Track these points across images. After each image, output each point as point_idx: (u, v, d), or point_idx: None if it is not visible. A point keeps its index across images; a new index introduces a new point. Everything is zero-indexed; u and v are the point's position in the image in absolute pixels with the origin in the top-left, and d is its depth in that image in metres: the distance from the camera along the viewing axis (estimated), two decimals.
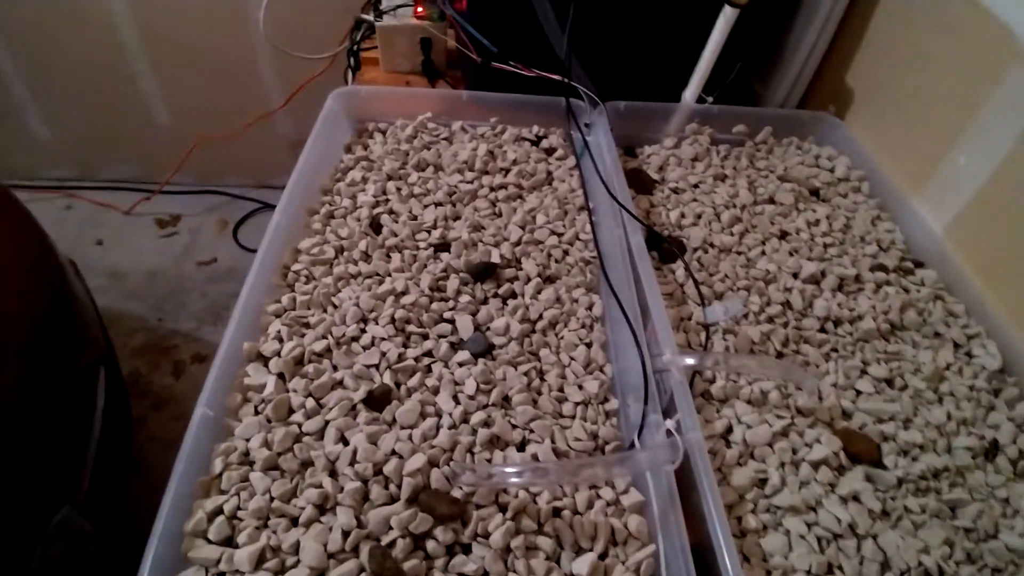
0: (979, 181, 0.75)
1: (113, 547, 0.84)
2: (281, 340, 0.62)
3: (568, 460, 0.57)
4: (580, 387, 0.63)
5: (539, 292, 0.71)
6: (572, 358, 0.66)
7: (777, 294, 0.73)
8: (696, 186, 0.88)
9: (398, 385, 0.60)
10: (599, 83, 0.90)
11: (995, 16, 0.73)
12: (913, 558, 0.53)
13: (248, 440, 0.55)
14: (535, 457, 0.56)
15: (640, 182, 0.87)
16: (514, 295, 0.71)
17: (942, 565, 0.52)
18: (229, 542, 0.50)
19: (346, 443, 0.55)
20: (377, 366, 0.62)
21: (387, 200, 0.80)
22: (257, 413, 0.57)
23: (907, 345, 0.70)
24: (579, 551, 0.52)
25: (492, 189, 0.83)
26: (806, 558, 0.52)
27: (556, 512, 0.53)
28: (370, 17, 1.06)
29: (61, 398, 0.80)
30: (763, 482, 0.57)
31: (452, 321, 0.67)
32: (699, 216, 0.83)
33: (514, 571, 0.49)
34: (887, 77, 0.91)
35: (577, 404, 0.62)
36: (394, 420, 0.57)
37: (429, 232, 0.76)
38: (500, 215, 0.80)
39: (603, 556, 0.52)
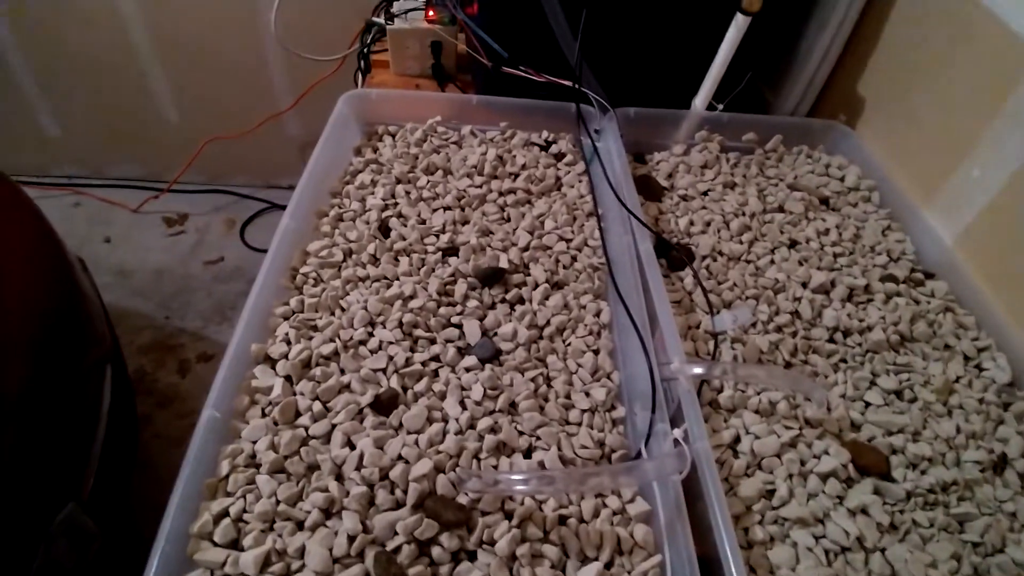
0: (991, 193, 0.74)
1: (117, 546, 0.85)
2: (289, 343, 0.62)
3: (574, 468, 0.56)
4: (587, 394, 0.63)
5: (547, 298, 0.71)
6: (579, 365, 0.66)
7: (786, 303, 0.73)
8: (705, 193, 0.88)
9: (405, 390, 0.60)
10: (609, 89, 0.90)
11: (1010, 27, 0.73)
12: (921, 572, 0.52)
13: (255, 442, 0.55)
14: (541, 464, 0.56)
15: (649, 189, 0.87)
16: (522, 300, 0.71)
17: None
18: (235, 545, 0.50)
19: (352, 447, 0.55)
20: (384, 370, 0.61)
21: (396, 203, 0.80)
22: (264, 415, 0.57)
23: (917, 357, 0.69)
24: (585, 560, 0.51)
25: (501, 194, 0.83)
26: (813, 571, 0.51)
27: (562, 520, 0.53)
28: (381, 20, 1.07)
29: (67, 396, 0.80)
30: (771, 493, 0.56)
31: (460, 326, 0.66)
32: (708, 224, 0.82)
33: None
34: (899, 87, 0.90)
35: (584, 411, 0.61)
36: (401, 425, 0.57)
37: (438, 236, 0.76)
38: (509, 220, 0.80)
39: (609, 565, 0.51)
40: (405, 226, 0.76)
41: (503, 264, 0.72)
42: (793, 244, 0.81)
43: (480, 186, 0.83)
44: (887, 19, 0.92)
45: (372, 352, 0.63)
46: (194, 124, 1.66)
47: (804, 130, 0.97)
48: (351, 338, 0.63)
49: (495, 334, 0.66)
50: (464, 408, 0.59)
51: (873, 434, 0.62)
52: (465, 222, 0.79)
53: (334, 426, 0.56)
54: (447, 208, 0.80)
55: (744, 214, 0.84)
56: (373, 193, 0.81)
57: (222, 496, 0.52)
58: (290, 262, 0.71)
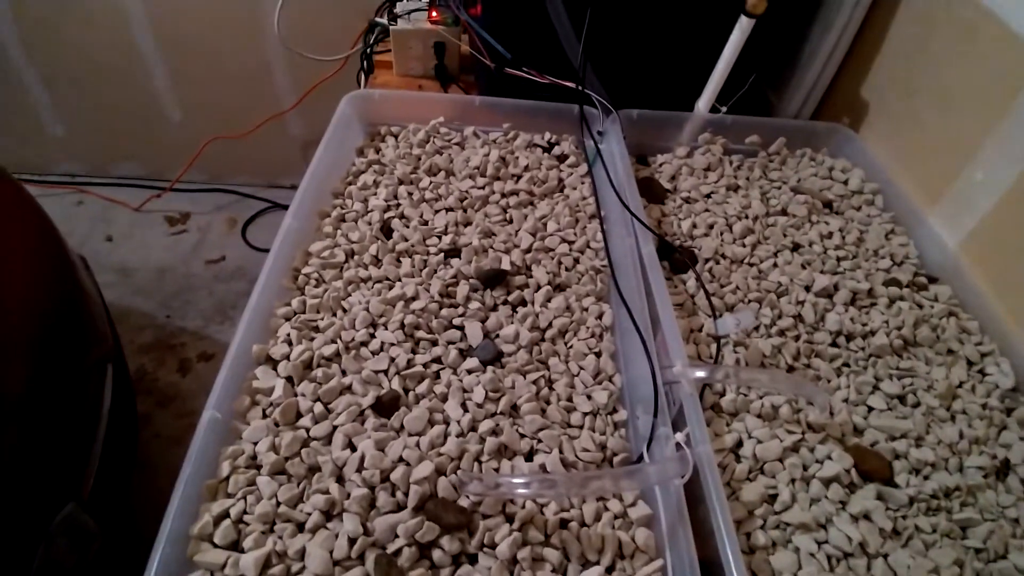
0: (995, 197, 0.74)
1: (117, 545, 0.84)
2: (290, 343, 0.62)
3: (576, 472, 0.56)
4: (589, 397, 0.63)
5: (549, 300, 0.71)
6: (581, 367, 0.65)
7: (789, 307, 0.72)
8: (708, 196, 0.88)
9: (406, 391, 0.60)
10: (612, 91, 0.90)
11: (1014, 31, 0.73)
12: None
13: (256, 444, 0.54)
14: (543, 467, 0.56)
15: (652, 191, 0.87)
16: (524, 302, 0.71)
17: None
18: (235, 546, 0.49)
19: (354, 449, 0.55)
20: (386, 372, 0.61)
21: (398, 204, 0.80)
22: (265, 416, 0.57)
23: (920, 362, 0.69)
24: (586, 564, 0.51)
25: (503, 195, 0.83)
26: None
27: (563, 524, 0.53)
28: (384, 20, 1.07)
29: (68, 395, 0.80)
30: (773, 498, 0.56)
31: (461, 328, 0.66)
32: (711, 227, 0.82)
33: None
34: (903, 90, 0.90)
35: (586, 414, 0.61)
36: (402, 427, 0.57)
37: (440, 237, 0.76)
38: (511, 222, 0.80)
39: (610, 570, 0.51)
40: (407, 227, 0.76)
41: (505, 266, 0.72)
42: (796, 247, 0.81)
43: (482, 187, 0.83)
44: (891, 22, 0.92)
45: (374, 353, 0.63)
46: (196, 123, 1.66)
47: (807, 133, 0.97)
48: (353, 339, 0.63)
49: (497, 336, 0.66)
50: (465, 410, 0.59)
51: (876, 439, 0.61)
52: (467, 223, 0.78)
53: (335, 428, 0.56)
54: (449, 209, 0.79)
55: (747, 217, 0.83)
56: (375, 194, 0.81)
57: (222, 497, 0.52)
58: (292, 262, 0.71)
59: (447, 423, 0.58)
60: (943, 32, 0.83)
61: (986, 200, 0.76)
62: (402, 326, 0.64)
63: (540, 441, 0.58)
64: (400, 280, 0.70)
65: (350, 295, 0.68)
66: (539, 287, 0.72)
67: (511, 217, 0.80)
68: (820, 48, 0.95)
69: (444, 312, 0.67)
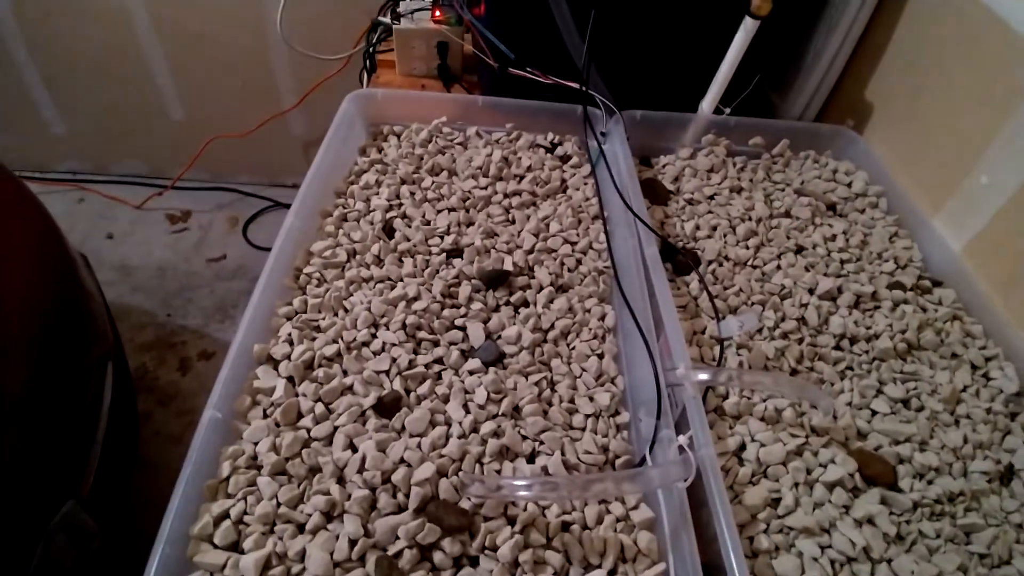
0: (1001, 201, 0.74)
1: (116, 543, 0.84)
2: (291, 343, 0.62)
3: (578, 475, 0.56)
4: (591, 399, 0.62)
5: (551, 301, 0.70)
6: (584, 369, 0.65)
7: (792, 310, 0.72)
8: (712, 198, 0.87)
9: (408, 392, 0.60)
10: (616, 91, 0.90)
11: (1019, 33, 0.72)
12: None
13: (256, 444, 0.54)
14: (545, 469, 0.56)
15: (655, 192, 0.86)
16: (526, 303, 0.70)
17: None
18: (235, 547, 0.49)
19: (355, 450, 0.54)
20: (387, 372, 0.61)
21: (401, 204, 0.79)
22: (266, 417, 0.57)
23: (924, 365, 0.69)
24: (588, 567, 0.51)
25: (506, 196, 0.82)
26: None
27: (565, 526, 0.53)
28: (387, 20, 1.06)
29: (68, 393, 0.80)
30: (776, 502, 0.56)
31: (463, 328, 0.66)
32: (714, 228, 0.82)
33: None
34: (908, 92, 0.90)
35: (588, 416, 0.61)
36: (403, 428, 0.57)
37: (442, 238, 0.75)
38: (513, 222, 0.79)
39: (612, 573, 0.51)
40: (409, 227, 0.76)
41: (508, 266, 0.72)
42: (800, 250, 0.80)
43: (485, 188, 0.82)
44: (896, 25, 0.91)
45: (375, 354, 0.62)
46: (198, 121, 1.66)
47: (811, 135, 0.97)
48: (354, 339, 0.63)
49: (499, 337, 0.66)
50: (467, 411, 0.58)
51: (880, 443, 0.61)
52: (470, 224, 0.78)
53: (336, 428, 0.56)
54: (452, 209, 0.79)
55: (751, 219, 0.83)
56: (378, 193, 0.80)
57: (223, 498, 0.51)
58: (293, 262, 0.70)
59: (449, 424, 0.58)
60: (948, 35, 0.83)
61: (991, 203, 0.75)
62: (404, 326, 0.64)
63: (542, 443, 0.58)
64: (402, 280, 0.70)
65: (352, 295, 0.68)
66: (541, 288, 0.71)
67: (514, 217, 0.80)
68: (824, 50, 0.95)
69: (446, 313, 0.67)
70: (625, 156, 0.83)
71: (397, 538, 0.49)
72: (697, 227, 0.82)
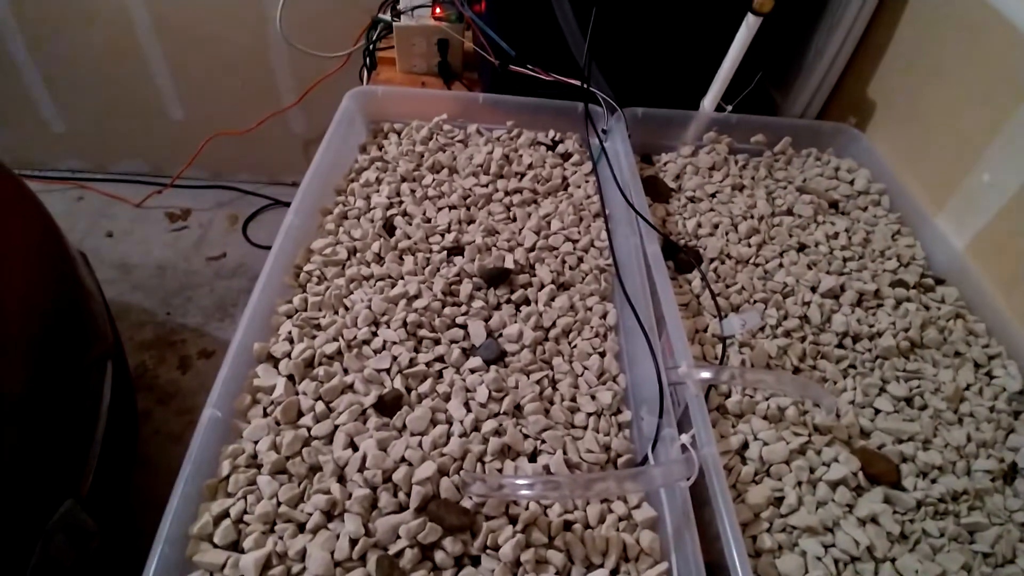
0: (1003, 199, 0.73)
1: (116, 543, 0.84)
2: (292, 341, 0.62)
3: (580, 474, 0.56)
4: (593, 397, 0.62)
5: (553, 299, 0.70)
6: (585, 367, 0.65)
7: (795, 308, 0.72)
8: (713, 195, 0.87)
9: (409, 390, 0.60)
10: (617, 89, 0.89)
11: (1021, 31, 0.72)
12: None
13: (256, 443, 0.54)
14: (547, 468, 0.55)
15: (656, 190, 0.86)
16: (527, 301, 0.70)
17: None
18: (235, 547, 0.49)
19: (355, 449, 0.54)
20: (388, 370, 0.61)
21: (401, 202, 0.79)
22: (266, 415, 0.56)
23: (927, 364, 0.69)
24: (590, 566, 0.51)
25: (507, 193, 0.82)
26: None
27: (567, 526, 0.52)
28: (387, 17, 1.06)
29: (68, 392, 0.80)
30: (779, 501, 0.55)
31: (464, 326, 0.66)
32: (716, 226, 0.81)
33: None
34: (910, 90, 0.89)
35: (590, 415, 0.61)
36: (404, 426, 0.56)
37: (443, 235, 0.75)
38: (515, 220, 0.79)
39: (615, 572, 0.51)
40: (410, 225, 0.76)
41: (509, 264, 0.72)
42: (802, 248, 0.80)
43: (486, 185, 0.82)
44: (898, 22, 0.91)
45: (376, 352, 0.62)
46: (198, 119, 1.65)
47: (813, 132, 0.96)
48: (355, 337, 0.63)
49: (500, 335, 0.66)
50: (468, 410, 0.58)
51: (883, 441, 0.61)
52: (471, 221, 0.78)
53: (337, 427, 0.55)
54: (452, 207, 0.79)
55: (752, 217, 0.83)
56: (378, 191, 0.80)
57: (222, 497, 0.51)
58: (294, 260, 0.70)
59: (450, 423, 0.57)
60: (950, 32, 0.83)
61: (994, 201, 0.75)
62: (404, 324, 0.64)
63: (544, 442, 0.58)
64: (403, 278, 0.69)
65: (352, 293, 0.68)
66: (543, 286, 0.71)
67: (515, 215, 0.79)
68: (826, 47, 0.94)
69: (447, 311, 0.67)
70: (627, 153, 0.83)
71: (398, 537, 0.49)
72: (699, 225, 0.82)
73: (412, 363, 0.61)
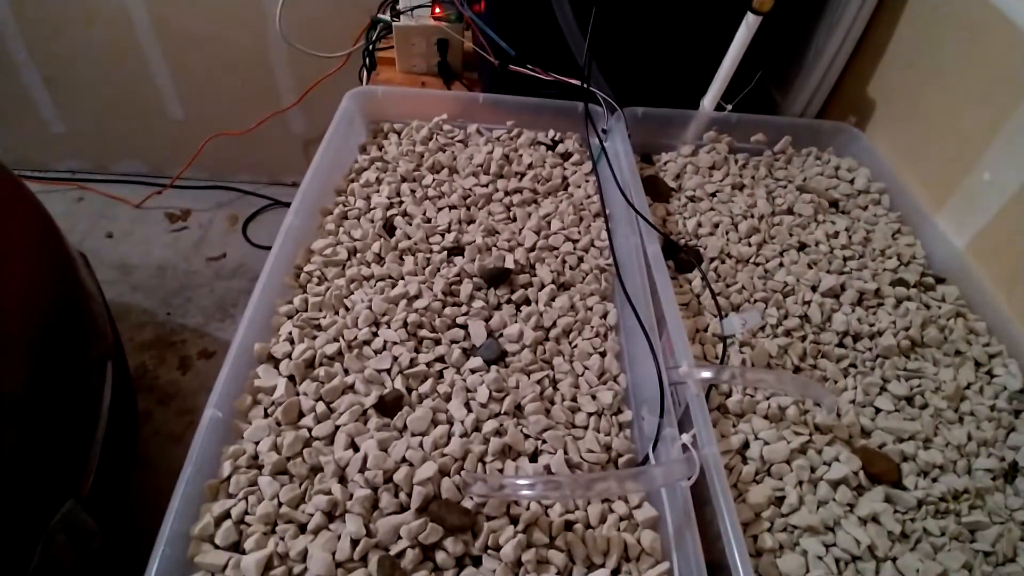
0: (1004, 197, 0.73)
1: (117, 543, 0.84)
2: (292, 342, 0.62)
3: (581, 474, 0.56)
4: (594, 397, 0.62)
5: (553, 299, 0.70)
6: (586, 367, 0.65)
7: (795, 307, 0.72)
8: (713, 195, 0.87)
9: (409, 391, 0.60)
10: (617, 88, 0.89)
11: (1021, 29, 0.72)
12: None
13: (257, 443, 0.54)
14: (548, 468, 0.55)
15: (656, 189, 0.86)
16: (528, 301, 0.70)
17: None
18: (236, 547, 0.49)
19: (356, 449, 0.54)
20: (388, 371, 0.61)
21: (401, 202, 0.79)
22: (267, 416, 0.56)
23: (928, 363, 0.69)
24: (591, 566, 0.51)
25: (507, 193, 0.82)
26: None
27: (568, 526, 0.52)
28: (387, 17, 1.06)
29: (68, 393, 0.80)
30: (780, 500, 0.55)
31: (465, 327, 0.66)
32: (716, 225, 0.81)
33: None
34: (910, 89, 0.89)
35: (591, 415, 0.61)
36: (405, 427, 0.56)
37: (443, 235, 0.75)
38: (515, 220, 0.79)
39: (616, 572, 0.51)
40: (410, 225, 0.76)
41: (509, 264, 0.72)
42: (802, 247, 0.80)
43: (486, 185, 0.82)
44: (898, 21, 0.91)
45: (376, 352, 0.62)
46: (198, 120, 1.65)
47: (813, 132, 0.96)
48: (355, 338, 0.62)
49: (501, 335, 0.66)
50: (469, 410, 0.58)
51: (883, 441, 0.61)
52: (471, 221, 0.78)
53: (337, 427, 0.55)
54: (453, 207, 0.79)
55: (753, 216, 0.83)
56: (378, 191, 0.80)
57: (223, 498, 0.51)
58: (294, 260, 0.70)
59: (451, 423, 0.57)
60: (950, 30, 0.83)
61: (994, 200, 0.75)
62: (405, 325, 0.64)
63: (544, 442, 0.58)
64: (403, 278, 0.69)
65: (352, 293, 0.68)
66: (543, 286, 0.71)
67: (515, 215, 0.79)
68: (826, 46, 0.94)
69: (447, 311, 0.67)
70: (627, 153, 0.83)
71: (399, 538, 0.49)
72: (699, 224, 0.82)
73: (413, 363, 0.61)
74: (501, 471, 0.55)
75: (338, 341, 0.62)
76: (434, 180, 0.82)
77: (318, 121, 1.66)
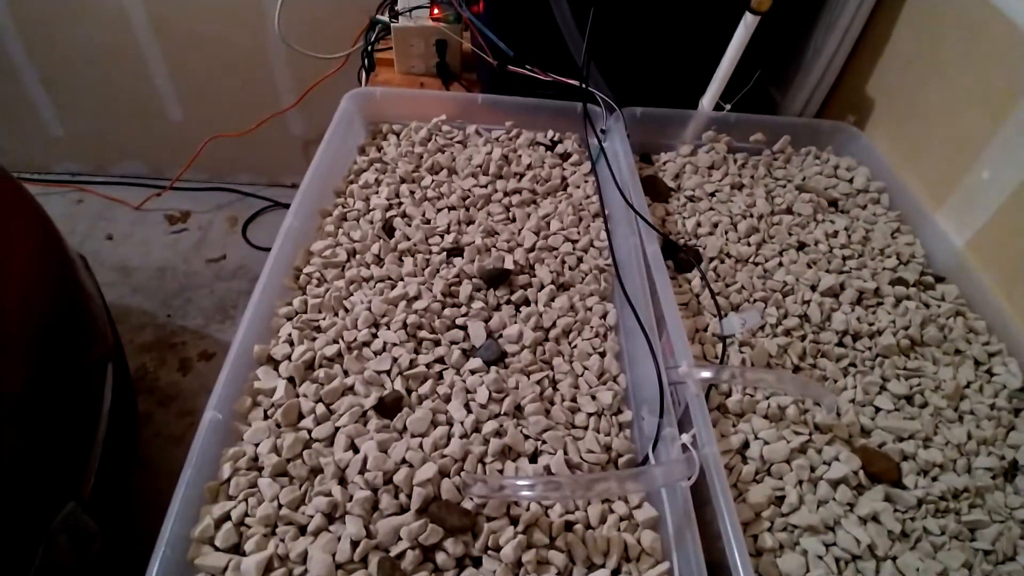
0: (1003, 196, 0.73)
1: (117, 545, 0.84)
2: (292, 343, 0.62)
3: (581, 474, 0.56)
4: (593, 397, 0.62)
5: (552, 299, 0.70)
6: (585, 367, 0.65)
7: (795, 306, 0.72)
8: (713, 195, 0.87)
9: (409, 392, 0.60)
10: (616, 88, 0.89)
11: (1020, 28, 0.72)
12: None
13: (257, 445, 0.54)
14: (547, 469, 0.55)
15: (655, 189, 0.86)
16: (527, 302, 0.70)
17: None
18: (236, 549, 0.49)
19: (356, 451, 0.54)
20: (388, 372, 0.61)
21: (400, 203, 0.79)
22: (267, 418, 0.56)
23: (927, 361, 0.69)
24: (591, 567, 0.51)
25: (506, 194, 0.82)
26: None
27: (568, 526, 0.52)
28: (385, 18, 1.06)
29: (68, 395, 0.80)
30: (780, 500, 0.55)
31: (464, 327, 0.66)
32: (715, 225, 0.81)
33: None
34: (909, 88, 0.89)
35: (590, 415, 0.61)
36: (405, 428, 0.56)
37: (442, 236, 0.75)
38: (514, 220, 0.79)
39: (616, 572, 0.51)
40: (409, 226, 0.76)
41: (508, 265, 0.72)
42: (802, 246, 0.80)
43: (485, 186, 0.82)
44: (897, 20, 0.91)
45: (376, 354, 0.62)
46: (197, 121, 1.65)
47: (812, 131, 0.96)
48: (355, 339, 0.63)
49: (500, 336, 0.66)
50: (469, 411, 0.58)
51: (883, 440, 0.61)
52: (470, 222, 0.78)
53: (337, 429, 0.55)
54: (452, 208, 0.79)
55: (752, 215, 0.83)
56: (377, 192, 0.80)
57: (223, 500, 0.51)
58: (293, 262, 0.70)
59: (450, 424, 0.58)
60: (949, 29, 0.83)
61: (993, 199, 0.75)
62: (404, 326, 0.64)
63: (544, 442, 0.58)
64: (402, 279, 0.70)
65: (352, 295, 0.68)
66: (542, 286, 0.71)
67: (514, 216, 0.79)
68: (825, 45, 0.94)
69: (447, 312, 0.67)
70: (625, 153, 0.83)
71: (399, 539, 0.49)
72: (698, 224, 0.82)
73: (412, 364, 0.61)
74: (501, 472, 0.55)
75: (338, 343, 0.62)
76: (433, 181, 0.82)
77: (317, 122, 1.65)
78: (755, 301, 0.73)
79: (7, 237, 0.84)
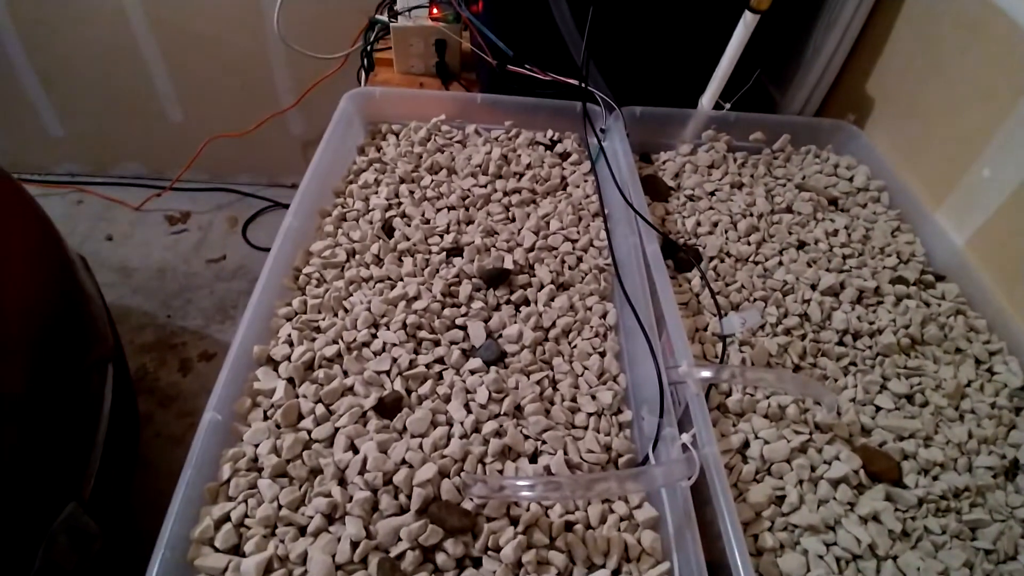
0: (1003, 194, 0.73)
1: (118, 545, 0.84)
2: (291, 344, 0.62)
3: (581, 474, 0.55)
4: (593, 397, 0.62)
5: (552, 299, 0.70)
6: (585, 367, 0.65)
7: (795, 306, 0.72)
8: (712, 194, 0.87)
9: (409, 392, 0.60)
10: (615, 88, 0.89)
11: (1021, 27, 0.72)
12: None
13: (257, 446, 0.54)
14: (547, 469, 0.55)
15: (655, 189, 0.86)
16: (527, 302, 0.70)
17: None
18: (236, 550, 0.49)
19: (356, 451, 0.54)
20: (388, 372, 0.61)
21: (400, 203, 0.79)
22: (266, 418, 0.56)
23: (928, 360, 0.68)
24: (592, 567, 0.51)
25: (506, 194, 0.82)
26: None
27: (568, 526, 0.52)
28: (384, 18, 1.06)
29: (69, 395, 0.80)
30: (780, 499, 0.55)
31: (464, 327, 0.66)
32: (715, 224, 0.81)
33: None
34: (909, 86, 0.89)
35: (590, 415, 0.61)
36: (405, 428, 0.56)
37: (442, 236, 0.75)
38: (513, 220, 0.79)
39: (616, 572, 0.51)
40: (409, 226, 0.76)
41: (508, 265, 0.71)
42: (802, 245, 0.80)
43: (485, 186, 0.82)
44: (896, 18, 0.91)
45: (376, 354, 0.62)
46: (197, 122, 1.65)
47: (812, 130, 0.96)
48: (354, 340, 0.62)
49: (500, 336, 0.66)
50: (469, 411, 0.58)
51: (884, 439, 0.61)
52: (469, 222, 0.78)
53: (337, 429, 0.55)
54: (451, 208, 0.79)
55: (752, 215, 0.83)
56: (377, 192, 0.80)
57: (223, 500, 0.51)
58: (293, 262, 0.70)
59: (450, 424, 0.57)
60: (949, 27, 0.83)
61: (994, 197, 0.75)
62: (404, 326, 0.64)
63: (544, 442, 0.58)
64: (402, 280, 0.69)
65: (351, 295, 0.68)
66: (542, 286, 0.71)
67: (513, 215, 0.79)
68: (824, 44, 0.94)
69: (446, 312, 0.67)
70: (625, 152, 0.82)
71: (399, 540, 0.49)
72: (698, 223, 0.82)
73: (412, 365, 0.61)
74: (501, 472, 0.55)
75: (337, 343, 0.62)
76: (432, 181, 0.82)
77: (317, 122, 1.65)
78: (755, 300, 0.72)
79: (7, 237, 0.84)
